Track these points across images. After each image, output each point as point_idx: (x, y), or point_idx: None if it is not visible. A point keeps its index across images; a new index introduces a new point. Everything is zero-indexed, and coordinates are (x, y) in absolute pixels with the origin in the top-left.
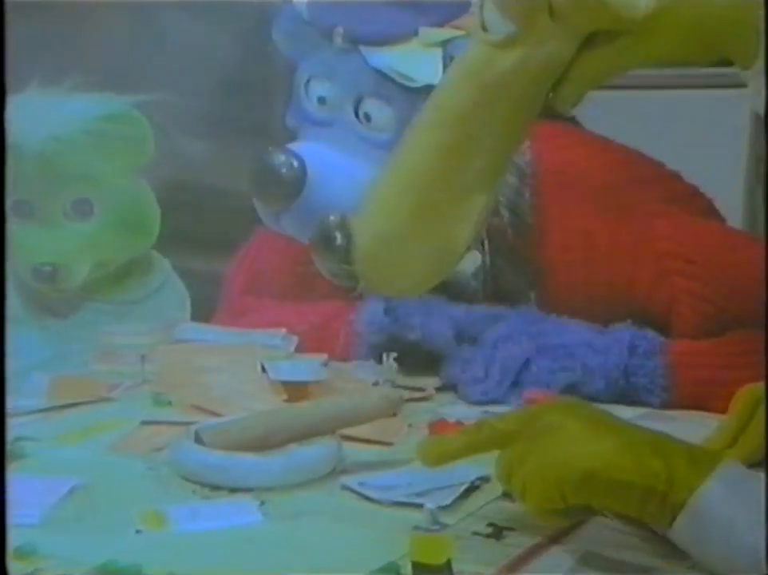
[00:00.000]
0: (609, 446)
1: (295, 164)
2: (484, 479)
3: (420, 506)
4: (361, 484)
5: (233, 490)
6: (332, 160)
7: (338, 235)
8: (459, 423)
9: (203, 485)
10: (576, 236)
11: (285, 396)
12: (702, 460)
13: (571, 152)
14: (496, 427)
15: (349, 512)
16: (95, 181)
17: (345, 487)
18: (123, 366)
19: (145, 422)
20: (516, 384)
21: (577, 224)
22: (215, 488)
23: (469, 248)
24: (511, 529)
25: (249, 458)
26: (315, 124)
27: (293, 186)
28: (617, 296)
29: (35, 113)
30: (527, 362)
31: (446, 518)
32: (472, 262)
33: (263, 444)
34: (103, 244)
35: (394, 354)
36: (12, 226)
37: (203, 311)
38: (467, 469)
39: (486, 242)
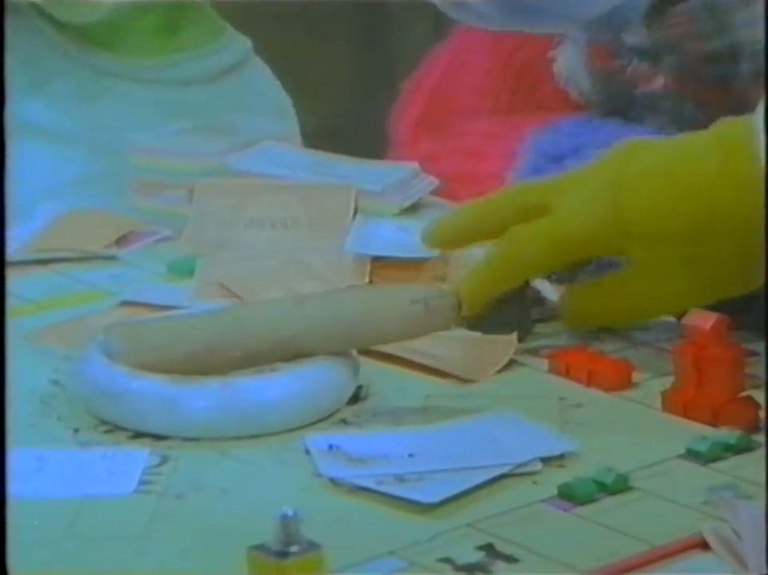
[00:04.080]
0: None
1: None
2: (533, 469)
3: (393, 498)
4: (331, 447)
5: (137, 435)
6: None
7: None
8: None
9: (102, 420)
10: None
11: (368, 278)
12: None
13: None
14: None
15: (270, 493)
16: None
17: (308, 450)
18: (167, 205)
19: (126, 303)
20: None
21: None
22: (115, 427)
23: None
24: (513, 559)
25: (164, 385)
26: None
27: None
28: None
29: None
30: None
31: (420, 526)
32: None
33: (202, 364)
34: None
35: None
36: None
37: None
38: (512, 448)
39: None
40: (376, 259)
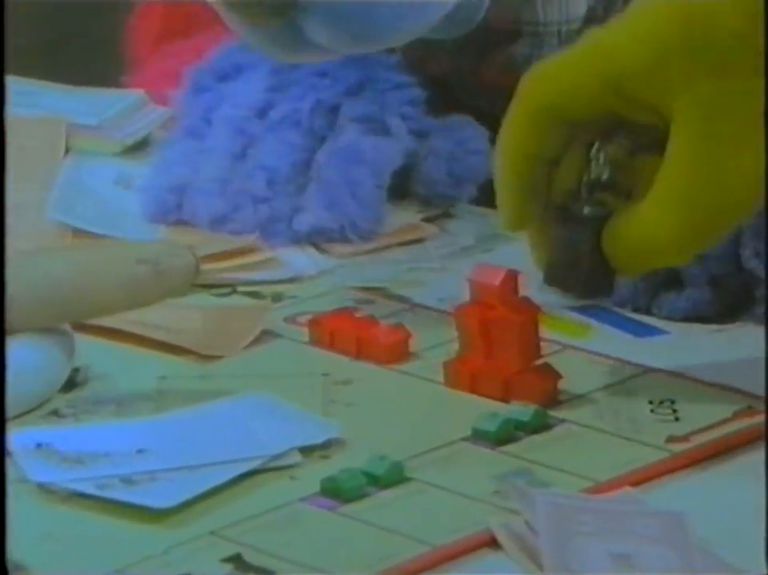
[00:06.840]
0: None
1: None
2: (290, 462)
3: (118, 504)
4: (40, 445)
5: None
6: None
7: None
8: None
9: None
10: None
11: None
12: None
13: None
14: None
15: None
16: None
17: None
18: None
19: None
20: None
21: None
22: None
23: None
24: (267, 572)
25: None
26: None
27: None
28: None
29: None
30: None
31: (152, 537)
32: None
33: None
34: None
35: None
36: None
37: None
38: (264, 437)
39: None
40: None
